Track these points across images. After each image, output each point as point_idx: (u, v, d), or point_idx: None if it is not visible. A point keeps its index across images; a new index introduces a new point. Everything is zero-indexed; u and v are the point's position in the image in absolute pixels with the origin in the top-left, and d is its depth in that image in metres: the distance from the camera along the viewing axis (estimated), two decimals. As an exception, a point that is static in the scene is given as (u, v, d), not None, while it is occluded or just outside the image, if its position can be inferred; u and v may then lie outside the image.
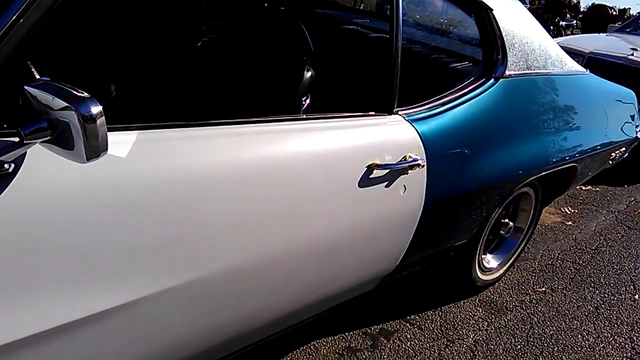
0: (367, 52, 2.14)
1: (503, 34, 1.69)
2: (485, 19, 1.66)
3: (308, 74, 1.46)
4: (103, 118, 0.73)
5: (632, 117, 2.58)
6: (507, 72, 1.71)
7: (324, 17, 2.68)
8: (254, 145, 1.11)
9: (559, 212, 3.24)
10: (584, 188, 3.68)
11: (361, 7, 3.50)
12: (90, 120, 0.71)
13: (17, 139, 0.73)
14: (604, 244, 2.87)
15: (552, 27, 10.82)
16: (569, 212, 3.26)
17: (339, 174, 1.26)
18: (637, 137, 2.62)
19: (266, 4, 2.87)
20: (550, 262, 2.59)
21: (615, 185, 3.82)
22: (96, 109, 0.72)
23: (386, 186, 1.35)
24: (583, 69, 2.20)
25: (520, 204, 2.24)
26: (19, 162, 0.77)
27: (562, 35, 11.18)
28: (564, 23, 11.87)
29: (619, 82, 4.37)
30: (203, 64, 1.71)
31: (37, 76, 0.94)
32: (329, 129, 1.27)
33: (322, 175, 1.23)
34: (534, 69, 1.82)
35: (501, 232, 2.22)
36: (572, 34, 14.00)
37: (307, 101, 1.49)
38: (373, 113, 1.40)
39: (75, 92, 0.72)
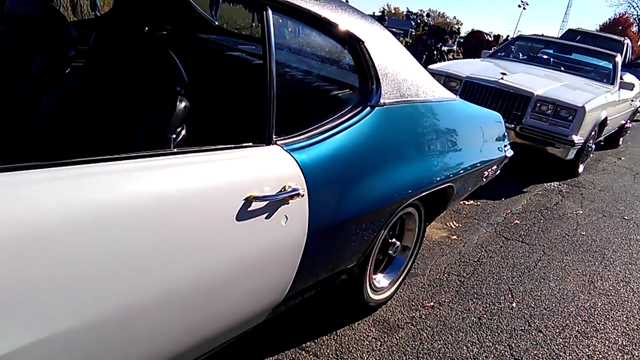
0: (249, 80, 2.14)
1: (376, 65, 1.77)
2: (358, 50, 1.73)
3: (181, 105, 1.42)
4: None
5: (500, 137, 2.83)
6: (382, 101, 1.79)
7: (208, 43, 2.64)
8: (120, 184, 1.04)
9: (445, 227, 3.45)
10: (466, 203, 3.96)
11: (256, 35, 3.48)
12: None
13: None
14: (485, 255, 3.09)
15: (435, 52, 11.69)
16: (454, 227, 3.48)
17: (215, 209, 1.22)
18: (506, 155, 2.88)
19: (147, 29, 2.78)
20: (437, 277, 2.73)
21: (493, 199, 4.15)
22: None
23: (266, 218, 1.33)
24: (453, 96, 2.37)
25: (406, 223, 2.35)
26: None
27: (444, 59, 12.15)
28: (445, 48, 12.90)
29: (492, 103, 4.85)
30: (69, 94, 1.59)
31: None
32: (203, 163, 1.23)
33: (198, 212, 1.18)
34: (407, 97, 1.93)
35: (389, 251, 2.30)
36: (454, 57, 15.28)
37: (183, 132, 1.44)
38: (251, 144, 1.39)
39: None
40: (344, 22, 1.69)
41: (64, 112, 1.56)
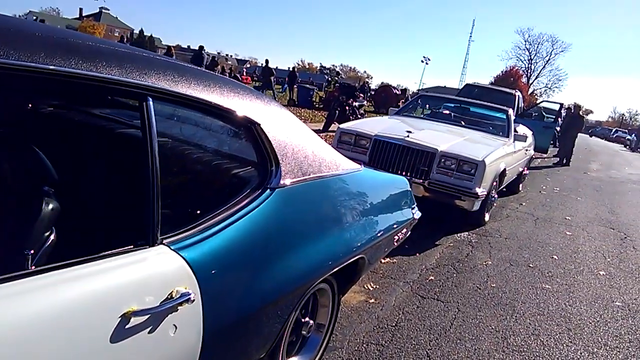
0: (136, 163, 2.00)
1: (274, 146, 1.72)
2: (254, 132, 1.67)
3: (49, 208, 1.25)
4: None
5: (408, 201, 2.87)
6: (282, 182, 1.72)
7: (99, 119, 2.47)
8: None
9: (362, 289, 3.40)
10: (383, 261, 3.96)
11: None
12: None
13: None
14: (403, 318, 3.06)
15: (347, 108, 12.13)
16: (371, 289, 3.44)
17: (85, 337, 1.05)
18: (414, 218, 2.92)
19: (30, 105, 2.55)
20: (356, 348, 2.64)
21: (408, 255, 4.20)
22: None
23: (150, 332, 1.18)
24: (358, 166, 2.38)
25: (319, 300, 2.26)
26: None
27: (356, 114, 12.62)
28: (356, 104, 13.44)
29: (401, 159, 5.02)
30: None
31: None
32: (68, 281, 1.06)
33: (64, 344, 1.02)
34: (310, 174, 1.89)
35: (303, 332, 2.18)
36: (365, 112, 15.99)
37: (52, 237, 1.27)
38: (132, 247, 1.25)
39: None
40: (238, 106, 1.63)
41: None
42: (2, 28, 1.11)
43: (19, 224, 1.21)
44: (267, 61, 20.21)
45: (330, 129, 10.64)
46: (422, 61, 59.80)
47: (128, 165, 1.93)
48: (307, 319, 2.18)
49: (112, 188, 1.76)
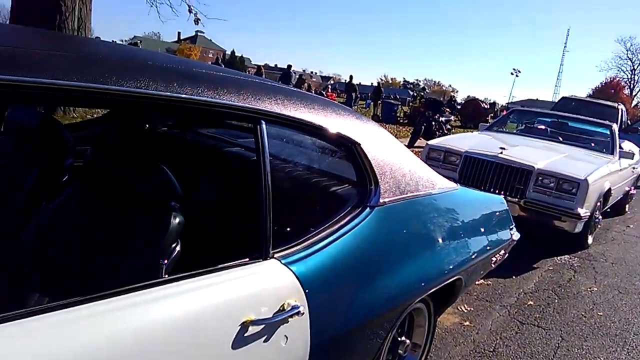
0: (246, 180, 2.12)
1: (373, 165, 1.76)
2: (354, 152, 1.72)
3: (176, 221, 1.38)
4: None
5: (505, 221, 2.77)
6: (381, 200, 1.75)
7: (207, 139, 2.66)
8: (101, 328, 0.98)
9: (456, 311, 3.31)
10: (477, 282, 3.82)
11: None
12: None
13: None
14: (501, 344, 2.94)
15: (433, 123, 11.92)
16: (465, 311, 3.34)
17: (209, 341, 1.15)
18: (512, 239, 2.81)
19: (147, 126, 2.81)
20: (452, 372, 2.57)
21: (504, 277, 4.02)
22: None
23: (265, 341, 1.26)
24: (454, 185, 2.35)
25: (415, 319, 2.24)
26: None
27: (442, 130, 12.36)
28: (443, 119, 13.16)
29: (493, 177, 4.85)
30: (61, 211, 1.56)
31: None
32: (195, 290, 1.17)
33: (191, 346, 1.11)
34: (407, 193, 1.90)
35: (399, 351, 2.17)
36: (452, 127, 15.60)
37: (178, 249, 1.39)
38: (247, 260, 1.34)
39: None
40: (339, 126, 1.69)
41: (54, 231, 1.53)
42: (144, 62, 1.26)
43: (152, 236, 1.34)
44: (351, 77, 20.50)
45: (415, 144, 10.51)
46: (512, 73, 57.29)
47: (240, 182, 2.06)
48: (403, 337, 2.17)
49: (227, 204, 1.90)
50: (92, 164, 1.58)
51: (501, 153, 4.96)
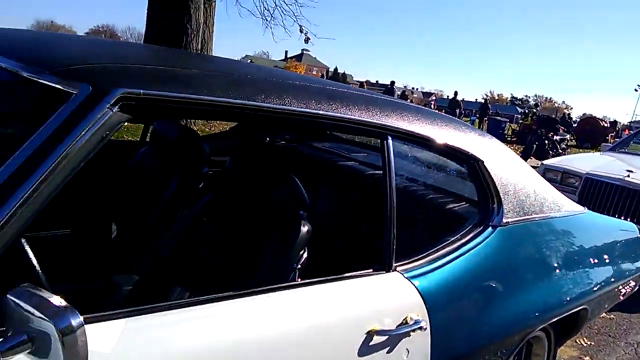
0: (362, 194, 2.18)
1: (496, 183, 1.72)
2: (477, 169, 1.70)
3: (305, 229, 1.46)
4: (83, 328, 0.70)
5: (637, 250, 2.54)
6: (504, 220, 1.71)
7: (322, 152, 2.77)
8: (246, 321, 1.07)
9: (575, 344, 3.07)
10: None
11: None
12: (69, 332, 0.69)
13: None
14: (627, 384, 2.68)
15: (546, 142, 11.22)
16: (585, 345, 3.09)
17: (337, 344, 1.20)
18: (645, 269, 2.56)
19: (267, 139, 2.99)
20: (571, 409, 2.39)
21: (630, 312, 3.66)
22: (76, 320, 0.70)
23: (387, 352, 1.28)
24: (581, 208, 2.21)
25: (533, 348, 2.12)
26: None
27: (557, 149, 11.58)
28: (557, 138, 12.33)
29: (618, 201, 4.45)
30: (199, 218, 1.73)
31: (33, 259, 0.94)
32: (324, 295, 1.23)
33: (322, 345, 1.18)
34: (531, 214, 1.83)
35: (514, 379, 2.07)
36: (567, 147, 14.53)
37: (305, 255, 1.47)
38: (371, 271, 1.38)
39: (54, 303, 0.70)
40: (463, 143, 1.68)
41: (192, 237, 1.69)
42: (286, 82, 1.37)
43: (284, 242, 1.44)
44: (455, 93, 20.00)
45: (526, 164, 9.94)
46: (637, 90, 52.13)
47: (357, 195, 2.13)
48: (519, 365, 2.07)
49: (343, 215, 1.96)
50: (229, 174, 1.73)
51: (628, 176, 4.56)
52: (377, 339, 1.25)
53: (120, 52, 1.50)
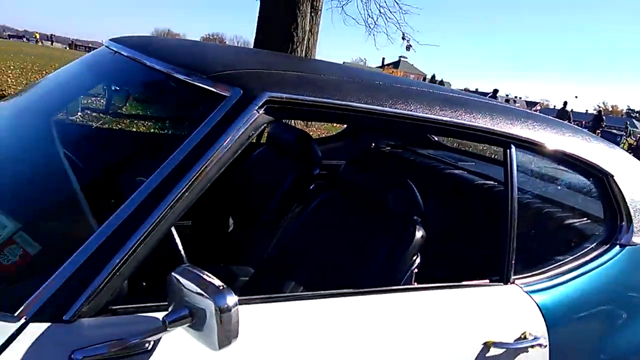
0: (471, 203, 2.13)
1: (627, 200, 1.60)
2: (606, 184, 1.60)
3: (419, 234, 1.47)
4: (237, 308, 0.78)
5: None
6: (634, 239, 1.59)
7: (429, 160, 2.74)
8: (362, 319, 1.11)
9: None
10: None
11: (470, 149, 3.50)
12: (226, 310, 0.76)
13: (160, 324, 0.79)
14: None
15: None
16: None
17: (453, 352, 1.20)
18: None
19: (373, 145, 3.03)
20: None
21: None
22: (232, 299, 0.77)
23: (503, 366, 1.25)
24: None
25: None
26: (157, 340, 0.84)
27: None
28: (684, 154, 11.06)
29: None
30: (313, 216, 1.80)
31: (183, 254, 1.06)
32: (442, 301, 1.23)
33: (435, 352, 1.18)
34: (666, 236, 1.67)
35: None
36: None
37: (418, 261, 1.48)
38: (487, 281, 1.35)
39: (213, 283, 0.78)
40: (590, 155, 1.59)
41: (306, 235, 1.76)
42: (413, 90, 1.40)
43: (399, 245, 1.46)
44: (565, 103, 18.64)
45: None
46: None
47: (466, 204, 2.09)
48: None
49: (451, 224, 1.94)
50: (343, 175, 1.78)
51: None
52: (493, 351, 1.22)
53: (262, 59, 1.62)
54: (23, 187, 1.15)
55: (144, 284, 1.28)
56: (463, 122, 1.34)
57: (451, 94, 1.49)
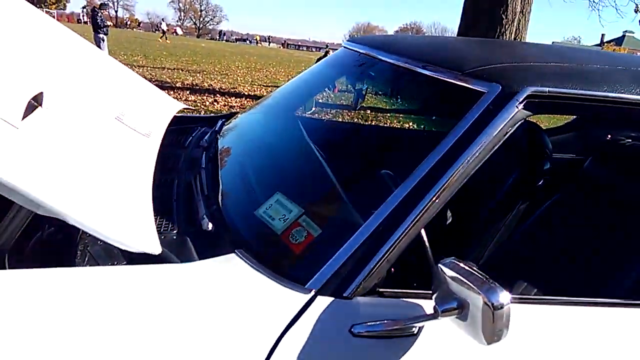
0: None
1: None
2: None
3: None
4: (509, 306, 0.78)
5: None
6: None
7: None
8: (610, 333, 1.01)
9: None
10: None
11: None
12: (499, 307, 0.77)
13: (432, 312, 0.84)
14: None
15: None
16: None
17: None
18: None
19: (609, 137, 2.68)
20: None
21: None
22: (505, 297, 0.77)
23: None
24: None
25: None
26: (422, 326, 0.89)
27: None
28: None
29: None
30: (544, 217, 1.68)
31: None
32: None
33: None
34: None
35: None
36: None
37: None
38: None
39: (485, 280, 0.79)
40: None
41: (539, 233, 1.65)
42: None
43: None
44: None
45: None
46: None
47: None
48: None
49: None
50: (590, 172, 1.63)
51: None
52: None
53: (516, 52, 1.56)
54: (295, 177, 1.33)
55: (392, 270, 1.37)
56: None
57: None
